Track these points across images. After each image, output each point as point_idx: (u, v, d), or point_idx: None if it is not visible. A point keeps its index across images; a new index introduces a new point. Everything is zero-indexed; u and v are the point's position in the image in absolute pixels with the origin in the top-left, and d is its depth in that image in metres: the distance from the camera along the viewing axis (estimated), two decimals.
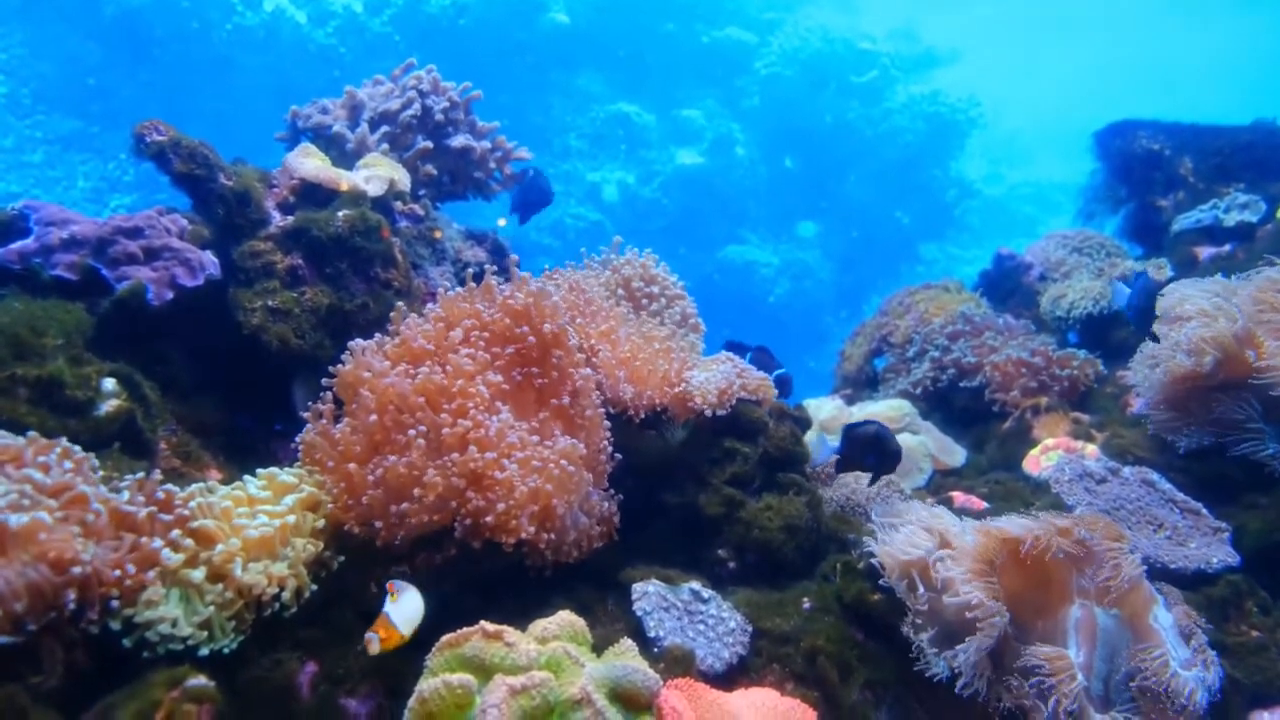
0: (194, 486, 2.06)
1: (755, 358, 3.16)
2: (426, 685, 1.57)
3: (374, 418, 2.17)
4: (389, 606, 1.84)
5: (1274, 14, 23.88)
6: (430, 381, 2.21)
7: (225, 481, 2.27)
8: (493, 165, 3.72)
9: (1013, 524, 2.16)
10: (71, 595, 1.64)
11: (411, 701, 1.58)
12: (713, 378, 2.74)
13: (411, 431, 2.14)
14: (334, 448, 2.20)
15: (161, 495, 1.92)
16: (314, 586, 2.03)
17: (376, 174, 3.12)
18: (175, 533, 1.86)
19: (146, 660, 1.74)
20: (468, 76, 3.74)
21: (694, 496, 2.67)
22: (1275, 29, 24.19)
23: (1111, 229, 5.03)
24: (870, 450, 2.63)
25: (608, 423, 2.52)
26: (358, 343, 2.37)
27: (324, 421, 2.27)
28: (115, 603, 1.73)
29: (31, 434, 1.85)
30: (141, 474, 1.98)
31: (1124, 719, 1.92)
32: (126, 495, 1.87)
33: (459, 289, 2.56)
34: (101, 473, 1.92)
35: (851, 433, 2.67)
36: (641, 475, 2.69)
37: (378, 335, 2.44)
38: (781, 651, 2.20)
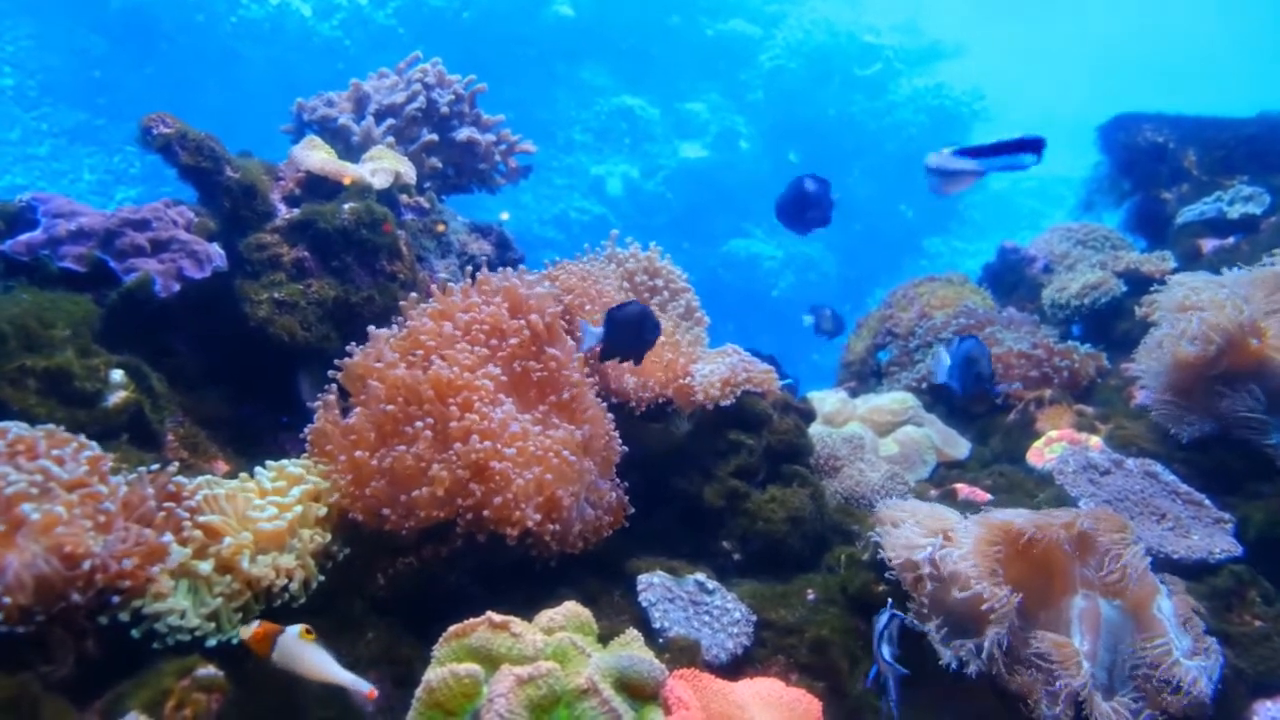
0: (200, 479, 2.07)
1: None
2: (434, 675, 1.59)
3: (390, 407, 2.18)
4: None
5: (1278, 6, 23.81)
6: (437, 374, 2.22)
7: (232, 473, 2.28)
8: (497, 158, 3.73)
9: (1016, 516, 2.16)
10: (82, 587, 1.65)
11: (419, 691, 1.59)
12: (716, 370, 2.75)
13: (419, 424, 2.15)
14: (344, 437, 2.21)
15: (173, 488, 1.93)
16: (321, 578, 2.04)
17: (382, 167, 3.13)
18: (186, 525, 1.87)
19: (156, 650, 1.75)
20: (472, 69, 3.75)
21: (699, 488, 2.68)
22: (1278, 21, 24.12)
23: (1115, 221, 5.03)
24: (629, 332, 2.42)
25: (610, 415, 2.53)
26: (380, 331, 2.37)
27: (335, 412, 2.28)
28: (125, 595, 1.74)
29: (49, 427, 1.87)
30: (155, 466, 1.99)
31: (1128, 707, 1.93)
32: (138, 488, 1.88)
33: (452, 284, 2.56)
34: (111, 464, 1.93)
35: (614, 315, 2.42)
36: (646, 467, 2.70)
37: (395, 324, 2.45)
38: (786, 642, 2.21)
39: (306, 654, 1.72)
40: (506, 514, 2.09)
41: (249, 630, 1.74)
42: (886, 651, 2.01)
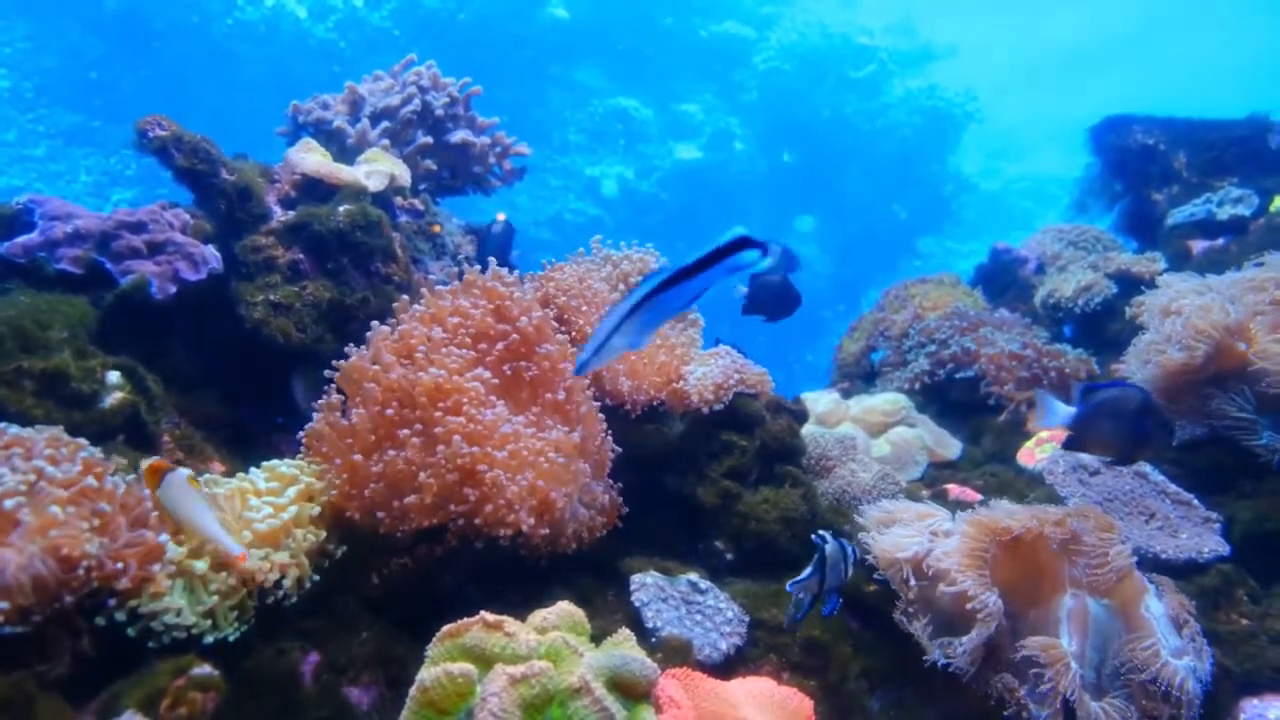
0: (201, 479, 2.09)
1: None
2: (428, 674, 1.60)
3: (389, 411, 2.19)
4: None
5: (1269, 9, 23.89)
6: (427, 378, 2.23)
7: (227, 474, 2.29)
8: (492, 160, 3.75)
9: (1004, 513, 2.18)
10: (79, 588, 1.66)
11: (413, 690, 1.60)
12: (710, 372, 2.77)
13: (406, 430, 2.16)
14: (340, 439, 2.22)
15: None
16: (315, 577, 2.05)
17: (377, 169, 3.14)
18: None
19: (152, 649, 1.76)
20: (467, 71, 3.76)
21: (692, 488, 2.69)
22: (1269, 24, 24.19)
23: (1107, 223, 5.05)
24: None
25: (602, 415, 2.55)
26: (379, 329, 2.39)
27: (335, 414, 2.29)
28: (121, 595, 1.75)
29: (47, 428, 1.88)
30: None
31: (1117, 708, 1.95)
32: (135, 489, 1.89)
33: (440, 286, 2.57)
34: (107, 465, 1.94)
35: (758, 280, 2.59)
36: (640, 468, 2.71)
37: (390, 322, 2.46)
38: (778, 641, 2.23)
39: (187, 499, 1.81)
40: (499, 518, 2.10)
41: (148, 462, 1.84)
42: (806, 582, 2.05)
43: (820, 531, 2.11)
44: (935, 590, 2.08)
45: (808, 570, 2.05)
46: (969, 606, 1.99)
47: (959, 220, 17.25)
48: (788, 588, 2.07)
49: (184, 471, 1.83)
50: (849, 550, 2.12)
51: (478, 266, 2.56)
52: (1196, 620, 2.12)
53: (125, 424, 2.26)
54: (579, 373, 1.45)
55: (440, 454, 2.11)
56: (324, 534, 2.12)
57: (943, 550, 2.10)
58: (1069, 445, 2.48)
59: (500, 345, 2.42)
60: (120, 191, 13.09)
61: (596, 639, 1.84)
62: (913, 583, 2.14)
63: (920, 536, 2.19)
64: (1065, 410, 2.43)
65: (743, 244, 1.46)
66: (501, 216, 3.62)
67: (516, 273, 2.66)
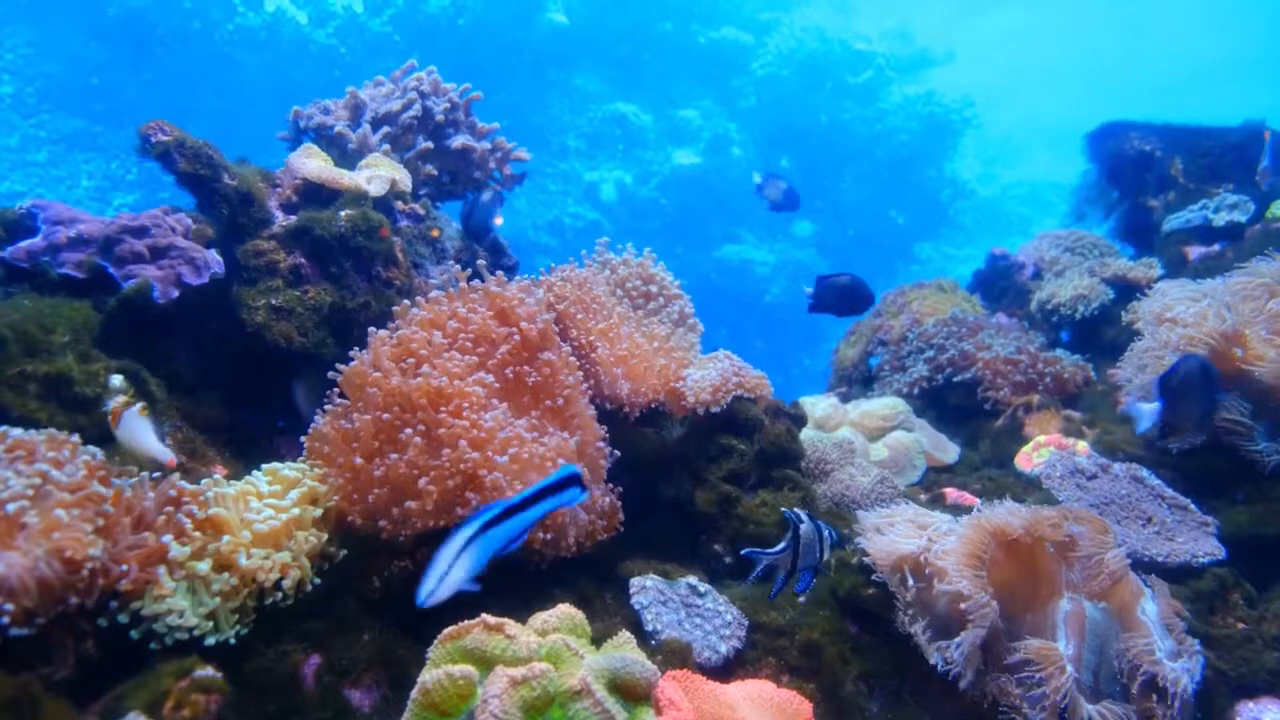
0: (205, 480, 2.10)
1: None
2: (429, 676, 1.61)
3: (388, 415, 2.21)
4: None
5: (1266, 15, 23.96)
6: (427, 383, 2.24)
7: (229, 477, 2.30)
8: (492, 165, 3.76)
9: (1002, 514, 2.19)
10: (83, 590, 1.67)
11: (415, 692, 1.61)
12: (707, 375, 2.78)
13: (409, 431, 2.17)
14: (345, 443, 2.23)
15: (174, 493, 1.95)
16: (317, 580, 2.06)
17: (378, 174, 3.16)
18: (187, 524, 1.90)
19: (154, 651, 1.77)
20: (466, 76, 3.78)
21: (691, 492, 2.71)
22: (1267, 30, 24.26)
23: (1104, 229, 5.07)
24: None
25: (599, 424, 2.55)
26: (379, 333, 2.40)
27: (340, 420, 2.30)
28: (124, 596, 1.76)
29: (50, 431, 1.89)
30: (158, 474, 2.01)
31: (1113, 710, 1.96)
32: (139, 491, 1.91)
33: (437, 292, 2.59)
34: (110, 468, 1.95)
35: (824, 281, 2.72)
36: (639, 471, 2.73)
37: (390, 326, 2.47)
38: (777, 644, 2.24)
39: (136, 426, 2.07)
40: None
41: (113, 404, 2.11)
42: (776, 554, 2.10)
43: (795, 509, 2.14)
44: (933, 592, 2.10)
45: (780, 545, 2.09)
46: (962, 606, 2.00)
47: (956, 226, 17.27)
48: (743, 553, 2.11)
49: (136, 406, 2.09)
50: (825, 533, 2.14)
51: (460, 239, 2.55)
52: (1185, 622, 2.13)
53: None
54: (423, 605, 1.53)
55: (444, 457, 2.13)
56: (325, 536, 2.13)
57: (941, 549, 2.11)
58: (1165, 434, 2.80)
59: (503, 349, 2.43)
60: (122, 196, 13.10)
61: (597, 641, 1.86)
62: (911, 584, 2.15)
63: (918, 537, 2.20)
64: (1153, 408, 2.73)
65: (570, 482, 1.69)
66: (499, 221, 3.63)
67: (528, 278, 2.68)
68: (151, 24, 13.21)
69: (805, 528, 2.09)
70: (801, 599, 2.36)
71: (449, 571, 1.55)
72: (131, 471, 1.95)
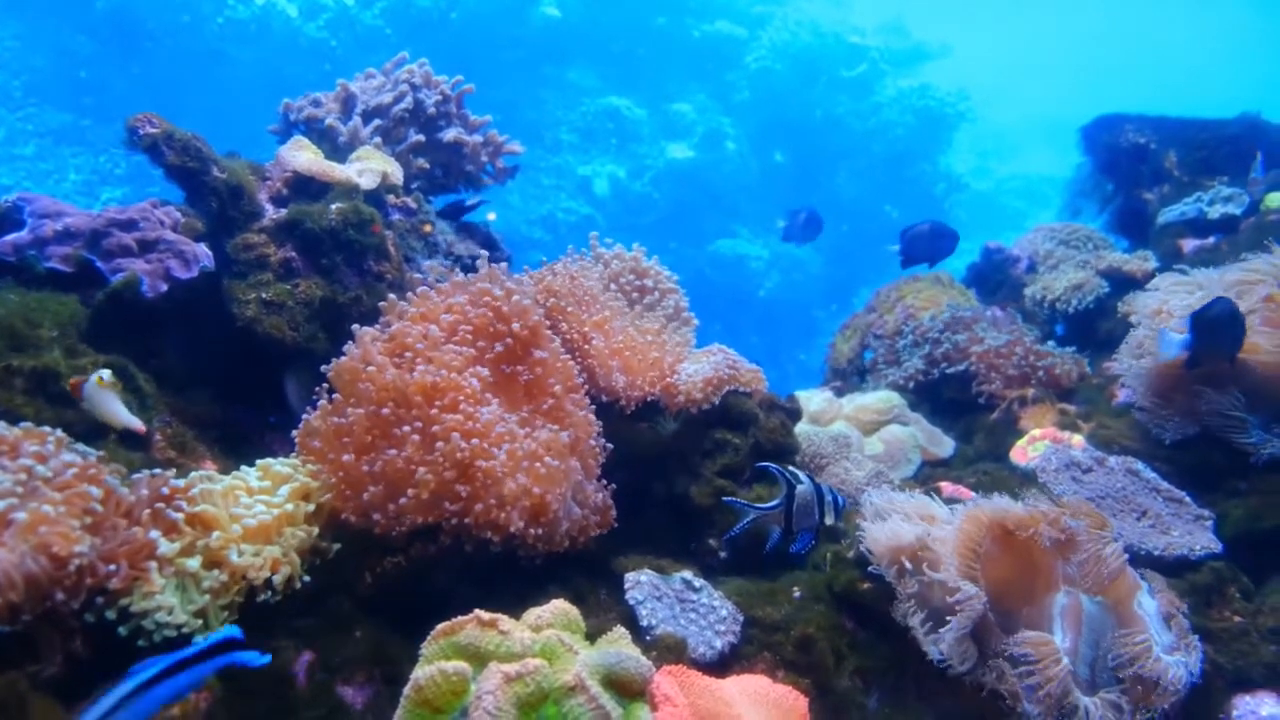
0: (195, 474, 2.08)
1: None
2: (422, 673, 1.59)
3: (386, 410, 2.19)
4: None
5: (1263, 7, 24.01)
6: (423, 378, 2.22)
7: (220, 472, 2.28)
8: (484, 159, 3.74)
9: (999, 506, 2.18)
10: (70, 586, 1.65)
11: (408, 689, 1.60)
12: (701, 369, 2.77)
13: (406, 427, 2.15)
14: (337, 438, 2.21)
15: (166, 490, 1.93)
16: (307, 577, 2.04)
17: (369, 167, 3.14)
18: (177, 518, 1.88)
19: (143, 649, 1.75)
20: (459, 70, 3.75)
21: (685, 487, 2.69)
22: (1261, 22, 24.31)
23: (1099, 223, 5.06)
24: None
25: (595, 419, 2.54)
26: (364, 330, 2.37)
27: (333, 416, 2.28)
28: (112, 593, 1.74)
29: (27, 425, 1.87)
30: (153, 471, 1.98)
31: (1110, 703, 1.95)
32: (128, 487, 1.88)
33: (424, 288, 2.56)
34: (98, 464, 1.93)
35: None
36: (634, 466, 2.71)
37: (379, 324, 2.45)
38: (773, 639, 2.22)
39: (97, 397, 2.13)
40: (491, 519, 2.10)
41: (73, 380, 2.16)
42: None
43: (792, 469, 2.12)
44: (931, 585, 2.09)
45: (774, 501, 2.06)
46: (950, 599, 1.99)
47: (951, 220, 17.23)
48: (724, 499, 2.08)
49: (94, 376, 2.13)
50: (829, 497, 2.11)
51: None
52: (1186, 617, 2.13)
53: None
54: None
55: (439, 450, 2.11)
56: (317, 532, 2.11)
57: (937, 537, 2.10)
58: (1191, 365, 2.83)
59: (499, 346, 2.42)
60: (109, 190, 13.03)
61: (591, 637, 1.84)
62: (909, 577, 2.14)
63: (916, 527, 2.19)
64: (1182, 338, 2.80)
65: (230, 645, 1.54)
66: (492, 216, 3.62)
67: (524, 273, 2.66)
68: (140, 17, 13.16)
69: (803, 488, 2.07)
70: (803, 585, 2.32)
71: None
72: (121, 471, 1.93)
